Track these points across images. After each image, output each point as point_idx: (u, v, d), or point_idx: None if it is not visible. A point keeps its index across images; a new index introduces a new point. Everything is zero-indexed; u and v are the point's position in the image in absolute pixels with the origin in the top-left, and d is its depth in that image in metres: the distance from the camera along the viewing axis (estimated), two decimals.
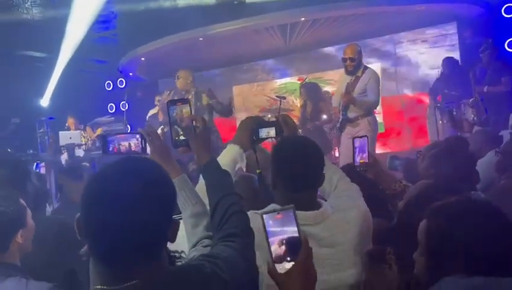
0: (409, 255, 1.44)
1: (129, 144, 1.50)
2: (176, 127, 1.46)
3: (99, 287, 0.94)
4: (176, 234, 1.02)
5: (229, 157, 1.66)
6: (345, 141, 4.47)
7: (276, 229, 1.08)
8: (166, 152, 1.54)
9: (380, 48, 7.58)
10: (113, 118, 8.31)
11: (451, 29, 7.15)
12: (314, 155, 1.56)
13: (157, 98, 6.78)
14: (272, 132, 1.75)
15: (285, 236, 1.09)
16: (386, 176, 2.32)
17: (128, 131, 7.90)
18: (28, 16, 6.83)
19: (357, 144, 2.17)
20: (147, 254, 0.95)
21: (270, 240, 1.07)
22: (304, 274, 1.07)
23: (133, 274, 0.93)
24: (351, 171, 2.02)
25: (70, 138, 6.75)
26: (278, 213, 1.10)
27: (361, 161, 2.15)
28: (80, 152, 6.87)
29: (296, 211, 1.47)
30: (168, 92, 5.91)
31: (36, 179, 3.20)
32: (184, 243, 1.40)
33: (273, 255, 1.07)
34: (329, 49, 7.74)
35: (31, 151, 7.16)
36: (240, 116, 8.66)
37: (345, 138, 4.49)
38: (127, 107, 8.59)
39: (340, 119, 4.69)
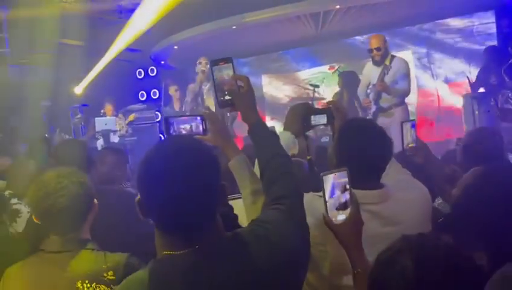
0: (466, 245, 1.44)
1: (190, 126, 1.55)
2: (220, 87, 1.45)
3: (165, 252, 1.03)
4: (226, 195, 1.13)
5: (281, 143, 1.70)
6: None
7: (331, 187, 1.29)
8: (226, 133, 1.60)
9: (415, 36, 7.45)
10: (145, 106, 8.44)
11: (489, 17, 6.97)
12: (380, 138, 1.57)
13: (173, 88, 6.84)
14: (323, 119, 1.78)
15: (339, 193, 1.29)
16: (435, 160, 2.29)
17: (158, 117, 8.04)
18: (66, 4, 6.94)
19: (405, 128, 2.16)
20: (203, 221, 1.05)
21: (326, 196, 1.28)
22: (354, 223, 1.29)
23: (193, 240, 1.03)
24: (400, 158, 2.02)
25: (106, 124, 6.89)
26: (335, 174, 1.30)
27: (410, 145, 2.14)
28: (114, 138, 7.02)
29: (359, 190, 1.53)
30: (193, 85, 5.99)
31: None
32: (244, 219, 1.46)
33: (329, 210, 1.29)
34: (362, 38, 7.66)
35: (67, 136, 7.35)
36: (269, 105, 8.67)
37: None
38: (157, 95, 8.71)
39: (373, 110, 4.76)
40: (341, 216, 1.29)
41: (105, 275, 1.50)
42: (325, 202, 1.29)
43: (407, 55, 7.39)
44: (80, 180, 1.62)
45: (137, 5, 6.34)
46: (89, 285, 1.48)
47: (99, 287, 1.48)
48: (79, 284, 1.48)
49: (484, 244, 1.41)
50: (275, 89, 8.76)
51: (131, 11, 6.69)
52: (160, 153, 1.06)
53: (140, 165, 1.06)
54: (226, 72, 1.44)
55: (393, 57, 4.70)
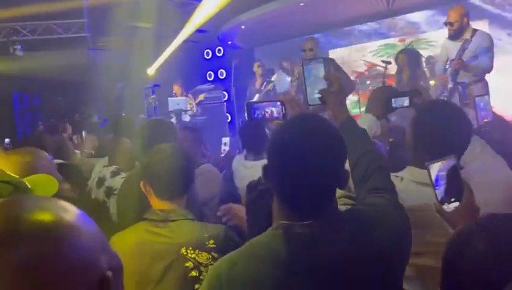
0: None
1: (272, 110, 1.62)
2: (311, 85, 1.50)
3: (283, 222, 1.08)
4: (346, 181, 1.14)
5: (364, 125, 1.70)
6: None
7: (439, 175, 1.27)
8: None
9: (493, 8, 6.98)
10: (213, 86, 8.67)
11: None
12: (459, 121, 1.54)
13: (256, 64, 6.84)
14: (406, 102, 1.76)
15: (448, 180, 1.26)
16: None
17: (225, 98, 8.21)
18: None
19: (479, 103, 2.07)
20: (322, 197, 1.08)
21: (436, 185, 1.26)
22: (469, 211, 1.23)
23: (311, 213, 1.06)
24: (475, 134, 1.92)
25: (178, 104, 7.17)
26: (441, 162, 1.26)
27: (485, 121, 2.05)
28: (186, 117, 7.30)
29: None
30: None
31: None
32: None
33: (439, 198, 1.25)
34: (433, 11, 7.29)
35: (142, 116, 7.75)
36: None
37: None
38: (225, 75, 8.89)
39: (451, 86, 4.57)
40: (453, 204, 1.26)
41: (206, 243, 1.59)
42: (435, 191, 1.27)
43: (483, 25, 6.95)
44: (187, 152, 1.77)
45: None
46: (192, 251, 1.57)
47: (201, 253, 1.57)
48: (183, 251, 1.57)
49: None
50: (342, 64, 8.58)
51: None
52: (294, 127, 1.11)
53: (274, 134, 1.13)
54: (317, 71, 1.48)
55: (475, 30, 4.40)
